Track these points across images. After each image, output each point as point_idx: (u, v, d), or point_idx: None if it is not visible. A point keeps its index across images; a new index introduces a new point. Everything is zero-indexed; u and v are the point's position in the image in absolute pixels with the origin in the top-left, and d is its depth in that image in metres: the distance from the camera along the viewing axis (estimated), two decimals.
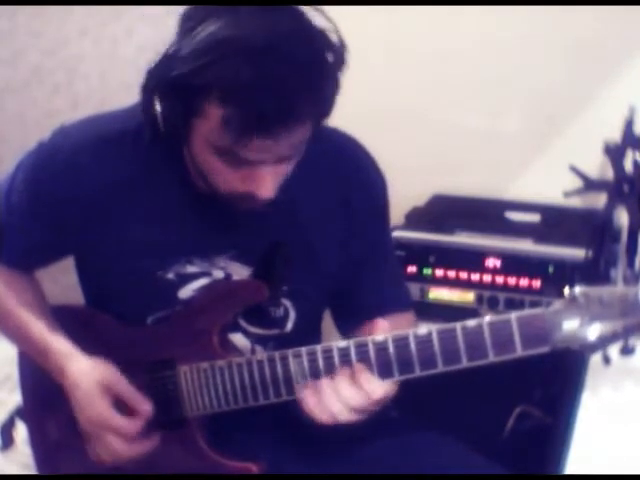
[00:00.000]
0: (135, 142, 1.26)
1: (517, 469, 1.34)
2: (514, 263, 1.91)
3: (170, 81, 1.09)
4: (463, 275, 1.94)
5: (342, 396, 1.15)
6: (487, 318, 1.13)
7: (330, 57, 1.12)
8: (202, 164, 1.18)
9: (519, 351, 1.11)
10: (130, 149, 1.27)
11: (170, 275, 1.30)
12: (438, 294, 1.96)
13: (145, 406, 1.27)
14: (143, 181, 1.27)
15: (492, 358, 1.12)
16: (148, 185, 1.27)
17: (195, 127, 1.12)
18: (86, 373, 1.28)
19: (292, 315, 1.35)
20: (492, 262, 1.92)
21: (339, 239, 1.34)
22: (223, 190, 1.18)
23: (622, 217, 1.86)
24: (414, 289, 1.95)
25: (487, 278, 1.92)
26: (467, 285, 1.94)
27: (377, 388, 1.15)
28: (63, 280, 1.50)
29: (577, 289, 1.10)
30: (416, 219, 2.10)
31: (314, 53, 1.09)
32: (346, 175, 1.35)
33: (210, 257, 1.30)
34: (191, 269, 1.30)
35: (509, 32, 2.16)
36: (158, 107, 1.13)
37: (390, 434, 1.36)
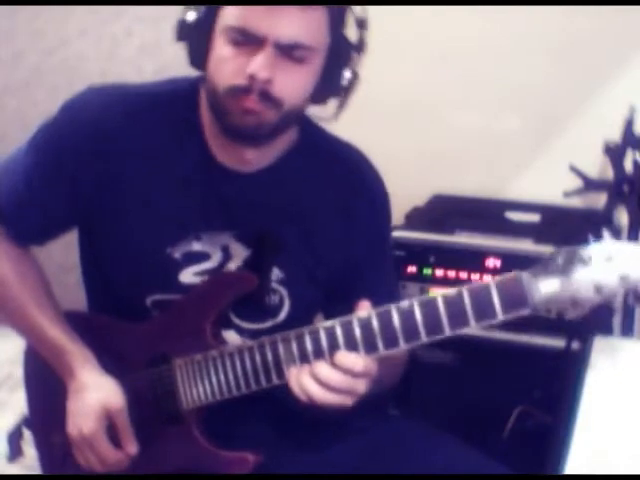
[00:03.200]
0: (160, 112, 1.29)
1: (517, 469, 1.34)
2: (514, 263, 1.89)
3: None
4: (463, 275, 1.94)
5: (319, 377, 1.16)
6: (466, 286, 1.14)
7: None
8: (216, 65, 1.21)
9: (500, 315, 1.12)
10: (154, 118, 1.29)
11: (177, 254, 1.31)
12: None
13: (132, 448, 1.30)
14: (162, 151, 1.29)
15: (474, 324, 1.13)
16: (167, 155, 1.29)
17: (218, 21, 1.20)
18: (96, 387, 1.29)
19: (286, 303, 1.36)
20: (492, 262, 1.92)
21: (338, 235, 1.35)
22: (228, 86, 1.20)
23: (622, 217, 1.86)
24: (414, 289, 1.95)
25: (487, 278, 1.92)
26: None
27: (356, 361, 1.16)
28: (63, 280, 1.51)
29: (554, 250, 1.10)
30: (416, 219, 2.10)
31: None
32: (346, 175, 1.36)
33: (217, 231, 1.32)
34: (197, 246, 1.31)
35: (509, 32, 2.16)
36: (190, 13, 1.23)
37: (390, 432, 1.37)
